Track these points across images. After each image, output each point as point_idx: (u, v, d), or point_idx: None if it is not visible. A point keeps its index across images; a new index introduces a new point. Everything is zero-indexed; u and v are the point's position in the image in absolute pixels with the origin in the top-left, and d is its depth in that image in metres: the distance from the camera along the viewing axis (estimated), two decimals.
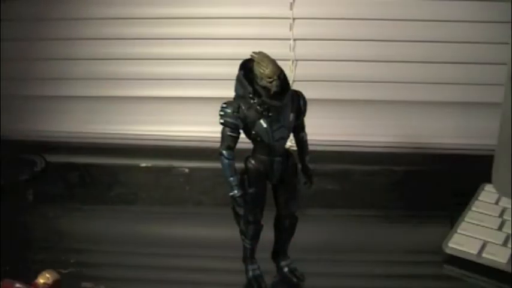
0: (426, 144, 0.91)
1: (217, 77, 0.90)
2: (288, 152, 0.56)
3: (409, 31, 0.86)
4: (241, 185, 0.55)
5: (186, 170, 0.89)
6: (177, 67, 0.93)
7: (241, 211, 0.57)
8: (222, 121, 0.53)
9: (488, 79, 0.87)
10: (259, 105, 0.51)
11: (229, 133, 0.53)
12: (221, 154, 0.54)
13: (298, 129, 0.56)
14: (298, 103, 0.54)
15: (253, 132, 0.53)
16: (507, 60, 0.70)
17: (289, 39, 0.88)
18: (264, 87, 0.51)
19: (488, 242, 0.66)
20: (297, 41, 0.89)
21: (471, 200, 0.74)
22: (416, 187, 0.82)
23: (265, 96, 0.51)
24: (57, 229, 0.77)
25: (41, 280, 0.58)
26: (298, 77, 0.89)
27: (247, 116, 0.52)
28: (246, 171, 0.56)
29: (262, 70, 0.50)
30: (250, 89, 0.51)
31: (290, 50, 0.89)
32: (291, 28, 0.88)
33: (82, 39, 0.93)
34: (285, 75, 0.52)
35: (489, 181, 0.75)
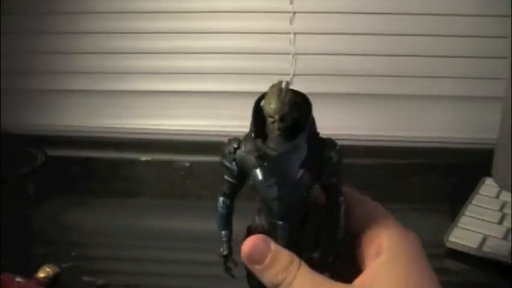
0: (427, 138, 0.90)
1: (216, 70, 0.90)
2: (308, 216, 0.39)
3: (411, 25, 0.86)
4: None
5: (187, 164, 0.88)
6: (176, 61, 0.93)
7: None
8: (220, 161, 0.41)
9: (489, 73, 0.87)
10: (256, 149, 0.37)
11: (225, 177, 0.41)
12: (217, 200, 0.42)
13: (330, 192, 0.40)
14: (321, 155, 0.38)
15: (251, 182, 0.39)
16: (508, 54, 0.70)
17: (289, 33, 0.88)
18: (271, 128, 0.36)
19: (488, 235, 0.66)
20: (298, 35, 0.88)
21: (472, 194, 0.74)
22: (417, 181, 0.82)
23: (261, 141, 0.37)
24: (58, 223, 0.77)
25: (41, 274, 0.59)
26: (298, 71, 0.89)
27: (245, 160, 0.39)
28: (249, 228, 0.42)
29: (266, 106, 0.36)
30: (251, 126, 0.37)
31: (290, 43, 0.88)
32: (291, 22, 0.88)
33: (82, 33, 0.93)
34: (293, 118, 0.36)
35: (490, 175, 0.75)
